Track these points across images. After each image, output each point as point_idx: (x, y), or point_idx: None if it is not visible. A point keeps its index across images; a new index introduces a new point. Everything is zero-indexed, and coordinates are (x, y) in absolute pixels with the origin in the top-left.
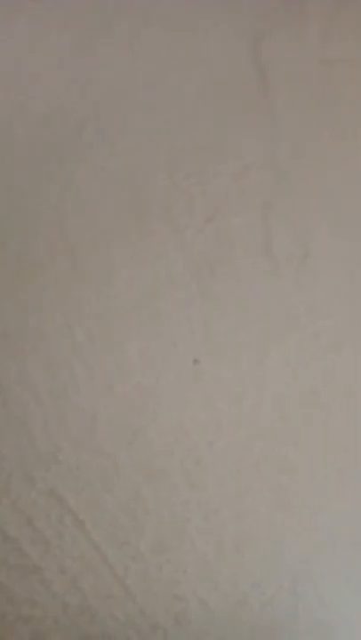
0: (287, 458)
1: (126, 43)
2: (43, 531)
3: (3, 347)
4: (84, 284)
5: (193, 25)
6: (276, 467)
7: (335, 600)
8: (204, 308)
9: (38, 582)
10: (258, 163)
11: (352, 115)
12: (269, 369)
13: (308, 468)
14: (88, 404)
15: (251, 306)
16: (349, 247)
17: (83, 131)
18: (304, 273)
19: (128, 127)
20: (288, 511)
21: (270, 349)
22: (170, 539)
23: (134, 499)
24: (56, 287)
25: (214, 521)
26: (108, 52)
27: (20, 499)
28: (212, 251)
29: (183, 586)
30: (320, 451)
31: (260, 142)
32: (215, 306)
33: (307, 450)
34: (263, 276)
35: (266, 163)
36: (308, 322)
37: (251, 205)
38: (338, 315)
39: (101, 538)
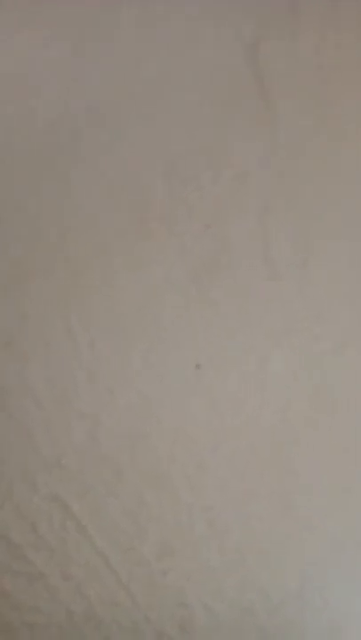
0: (291, 462)
1: (125, 51)
2: (46, 537)
3: (4, 353)
4: (84, 290)
5: (190, 32)
6: (280, 471)
7: (343, 605)
8: (204, 313)
9: (42, 589)
10: (256, 168)
11: (349, 118)
12: (271, 373)
13: (312, 471)
14: (90, 409)
15: (251, 310)
16: (349, 250)
17: (82, 138)
18: (303, 277)
19: (127, 134)
20: (293, 515)
21: (271, 353)
22: (174, 544)
23: (138, 504)
24: (57, 293)
25: (218, 526)
26: (108, 60)
27: (23, 504)
28: (212, 256)
29: (188, 592)
30: (324, 454)
31: (258, 147)
32: (215, 310)
33: (311, 453)
34: (263, 280)
35: (264, 168)
36: (309, 325)
37: (249, 210)
38: (338, 317)
39: (105, 544)
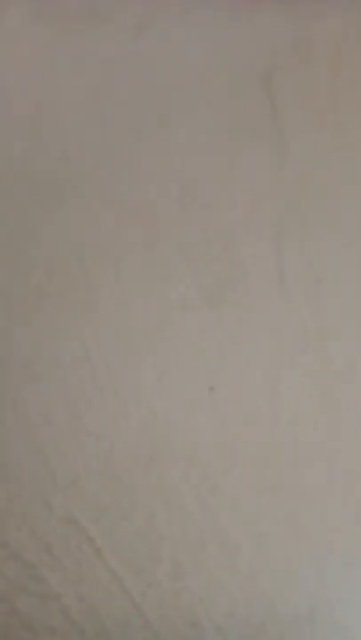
0: (303, 483)
1: (140, 81)
2: (61, 557)
3: (21, 374)
4: (100, 313)
5: (205, 62)
6: (292, 491)
7: (354, 629)
8: (217, 335)
9: (57, 609)
10: (270, 193)
11: None
12: (284, 394)
13: (324, 492)
14: (104, 430)
15: (264, 332)
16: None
17: (100, 167)
18: (316, 299)
19: (143, 162)
20: (305, 536)
21: (284, 375)
22: (186, 565)
23: (150, 525)
24: (74, 316)
25: (230, 547)
26: (123, 90)
27: (38, 525)
28: (225, 279)
29: (200, 613)
30: (337, 475)
31: (272, 173)
32: (229, 333)
33: (323, 474)
34: (276, 303)
35: (277, 193)
36: (321, 346)
37: (263, 235)
38: (351, 339)
39: (119, 565)
